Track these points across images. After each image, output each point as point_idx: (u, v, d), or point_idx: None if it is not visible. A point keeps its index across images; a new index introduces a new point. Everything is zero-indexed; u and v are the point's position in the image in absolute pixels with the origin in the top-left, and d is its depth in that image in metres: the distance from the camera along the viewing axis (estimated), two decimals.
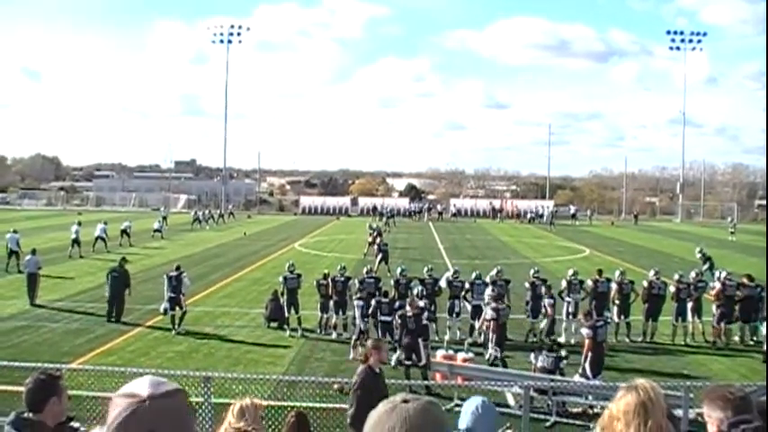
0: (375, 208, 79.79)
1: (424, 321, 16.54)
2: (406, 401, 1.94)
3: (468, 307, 20.20)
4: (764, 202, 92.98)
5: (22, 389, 4.98)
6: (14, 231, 32.72)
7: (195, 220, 60.38)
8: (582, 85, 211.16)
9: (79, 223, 39.26)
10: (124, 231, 43.94)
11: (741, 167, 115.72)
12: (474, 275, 20.93)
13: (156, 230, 49.32)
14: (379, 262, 32.39)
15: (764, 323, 20.23)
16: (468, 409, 4.69)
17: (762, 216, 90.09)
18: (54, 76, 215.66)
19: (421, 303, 17.27)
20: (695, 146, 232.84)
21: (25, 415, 4.82)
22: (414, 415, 1.89)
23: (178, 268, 21.63)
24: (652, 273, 21.56)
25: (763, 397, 4.63)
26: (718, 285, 20.73)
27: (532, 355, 15.57)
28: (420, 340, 15.90)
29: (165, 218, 56.46)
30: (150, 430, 1.93)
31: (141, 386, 2.02)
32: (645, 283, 20.93)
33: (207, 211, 65.83)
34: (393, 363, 17.00)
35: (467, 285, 20.48)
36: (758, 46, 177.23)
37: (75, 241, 37.11)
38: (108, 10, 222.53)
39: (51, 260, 32.52)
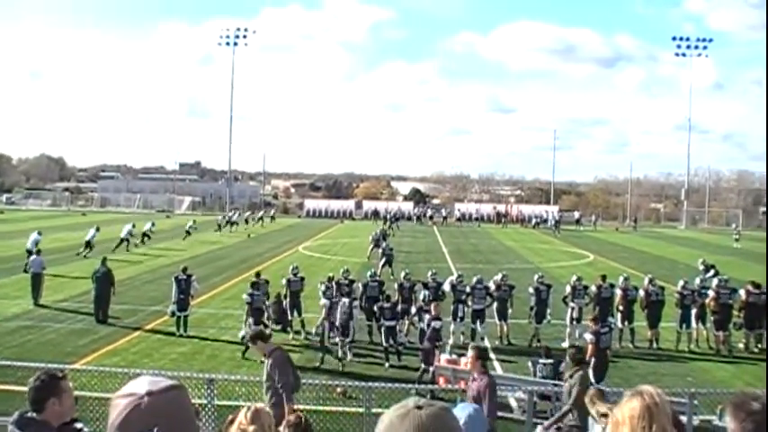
0: (377, 212, 79.69)
1: (435, 326, 16.59)
2: (419, 407, 1.92)
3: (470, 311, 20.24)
4: None
5: (25, 388, 4.98)
6: (39, 233, 33.37)
7: (227, 222, 58.67)
8: (588, 90, 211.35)
9: (97, 228, 39.74)
10: (145, 234, 44.48)
11: (747, 174, 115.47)
12: (475, 280, 20.87)
13: (187, 232, 50.01)
14: (383, 266, 32.40)
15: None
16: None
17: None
18: (59, 76, 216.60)
19: (437, 323, 16.83)
20: (701, 152, 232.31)
21: (28, 414, 4.82)
22: (426, 421, 1.88)
23: (185, 270, 21.60)
24: (646, 280, 21.50)
25: None
26: (711, 293, 20.64)
27: (530, 364, 15.55)
28: (434, 345, 16.06)
29: (194, 220, 55.66)
30: (153, 425, 1.92)
31: (139, 385, 2.02)
32: (641, 293, 20.84)
33: (237, 214, 65.11)
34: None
35: (467, 289, 20.45)
36: (766, 52, 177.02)
37: (89, 244, 37.42)
38: (113, 10, 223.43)
39: (56, 261, 32.56)
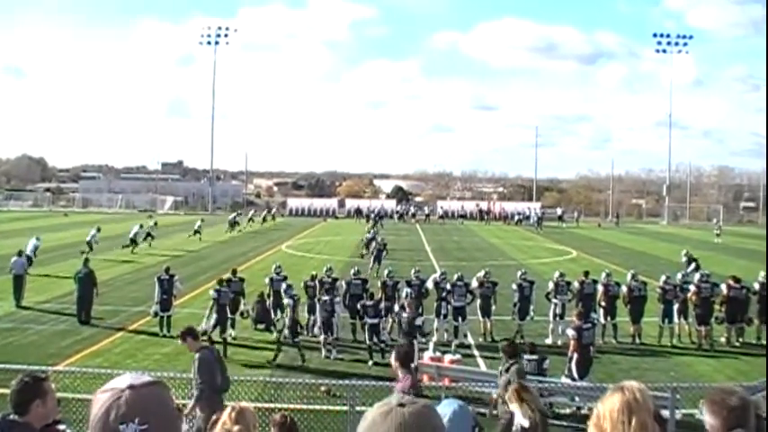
0: (360, 210, 79.65)
1: (417, 323, 16.69)
2: (401, 405, 1.92)
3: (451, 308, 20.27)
4: (750, 204, 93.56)
5: (7, 391, 4.95)
6: (38, 239, 33.38)
7: (234, 224, 57.25)
8: (569, 87, 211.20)
9: (98, 229, 39.73)
10: (149, 234, 44.26)
11: (727, 170, 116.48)
12: (456, 277, 20.92)
13: (195, 232, 49.53)
14: (374, 262, 32.83)
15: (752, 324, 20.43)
16: (443, 415, 4.61)
17: (747, 218, 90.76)
18: (40, 75, 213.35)
19: (419, 320, 17.14)
20: (682, 148, 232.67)
21: (11, 417, 4.80)
22: (409, 419, 1.88)
23: (168, 270, 21.51)
24: (629, 276, 21.62)
25: (760, 393, 4.59)
26: (693, 288, 20.77)
27: None
28: (415, 342, 16.03)
29: (203, 219, 55.33)
30: (134, 416, 1.92)
31: (121, 380, 2.03)
32: (624, 289, 20.94)
33: (237, 214, 64.48)
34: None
35: (447, 287, 20.50)
36: (745, 48, 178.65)
37: (89, 244, 37.37)
38: (94, 9, 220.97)
39: (38, 262, 32.28)
